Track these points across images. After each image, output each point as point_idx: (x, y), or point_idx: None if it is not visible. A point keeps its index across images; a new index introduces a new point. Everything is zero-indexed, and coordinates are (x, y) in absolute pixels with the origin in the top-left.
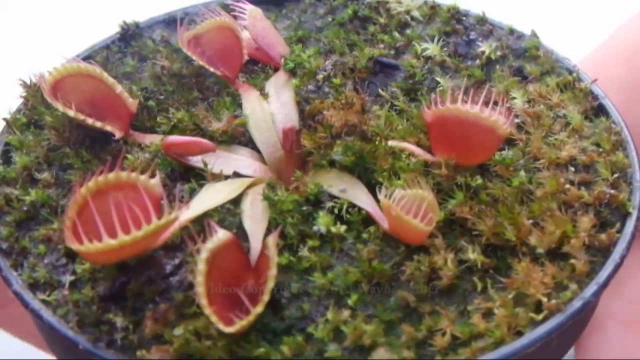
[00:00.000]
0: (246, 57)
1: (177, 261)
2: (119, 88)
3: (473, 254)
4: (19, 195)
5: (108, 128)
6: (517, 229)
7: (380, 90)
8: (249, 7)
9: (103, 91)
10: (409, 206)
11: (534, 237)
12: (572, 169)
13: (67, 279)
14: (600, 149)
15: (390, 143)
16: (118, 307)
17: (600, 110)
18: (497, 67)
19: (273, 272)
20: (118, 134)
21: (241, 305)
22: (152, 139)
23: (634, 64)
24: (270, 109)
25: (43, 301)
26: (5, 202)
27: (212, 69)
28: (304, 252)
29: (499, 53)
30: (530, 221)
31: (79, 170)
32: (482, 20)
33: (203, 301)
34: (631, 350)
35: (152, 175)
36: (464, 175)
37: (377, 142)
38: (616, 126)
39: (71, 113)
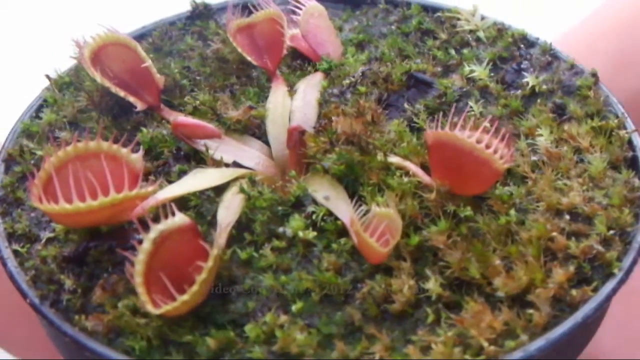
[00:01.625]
0: (285, 51)
1: (141, 237)
2: (148, 62)
3: (432, 285)
4: (33, 148)
5: (131, 99)
6: (485, 267)
7: (406, 105)
8: (311, 3)
9: (138, 63)
10: (375, 224)
11: (500, 280)
12: (568, 217)
13: (46, 235)
14: (608, 202)
15: (391, 159)
16: (75, 270)
17: (633, 162)
18: (539, 100)
19: (209, 264)
20: (140, 106)
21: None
22: (174, 117)
23: (622, 37)
24: (293, 106)
25: (15, 251)
26: (19, 152)
27: (249, 58)
28: (266, 251)
29: (545, 86)
30: (503, 262)
31: (95, 135)
32: (546, 50)
33: (138, 279)
34: (631, 353)
35: (134, 150)
36: (456, 203)
37: (373, 156)
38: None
39: (98, 78)
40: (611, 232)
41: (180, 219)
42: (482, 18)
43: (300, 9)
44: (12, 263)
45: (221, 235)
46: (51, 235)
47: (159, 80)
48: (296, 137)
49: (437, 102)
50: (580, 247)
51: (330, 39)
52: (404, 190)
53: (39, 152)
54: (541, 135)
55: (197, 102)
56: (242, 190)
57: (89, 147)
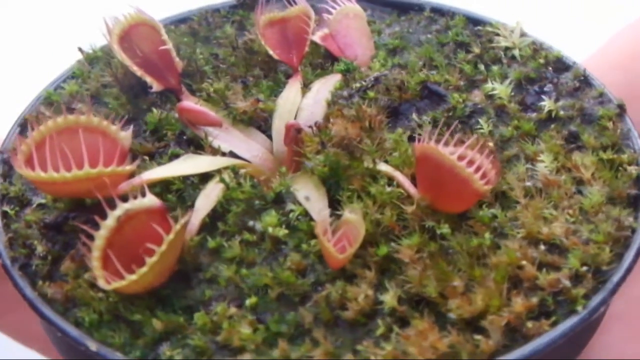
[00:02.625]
0: (307, 49)
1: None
2: (168, 45)
3: (389, 298)
4: (47, 116)
5: (147, 79)
6: (445, 287)
7: (414, 115)
8: (349, 4)
9: (161, 45)
10: (342, 230)
11: (455, 301)
12: (544, 247)
13: (37, 200)
14: (591, 238)
15: (381, 167)
16: (53, 238)
17: (636, 201)
18: (554, 125)
19: (162, 248)
20: (156, 87)
21: None
22: (190, 98)
23: (629, 70)
24: (302, 103)
25: (4, 212)
26: (36, 118)
27: (271, 52)
28: (234, 242)
29: (563, 112)
30: (465, 284)
31: (110, 110)
32: (577, 75)
33: (95, 253)
34: (635, 351)
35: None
36: (436, 219)
37: (360, 161)
38: (632, 221)
39: (119, 56)
40: (584, 268)
41: (149, 200)
42: (522, 35)
43: (336, 8)
44: None
45: (193, 225)
46: (42, 201)
47: (177, 63)
48: (293, 134)
49: (445, 115)
50: (548, 279)
51: (362, 41)
52: (384, 200)
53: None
54: (543, 161)
55: (212, 89)
56: (221, 180)
57: (80, 121)
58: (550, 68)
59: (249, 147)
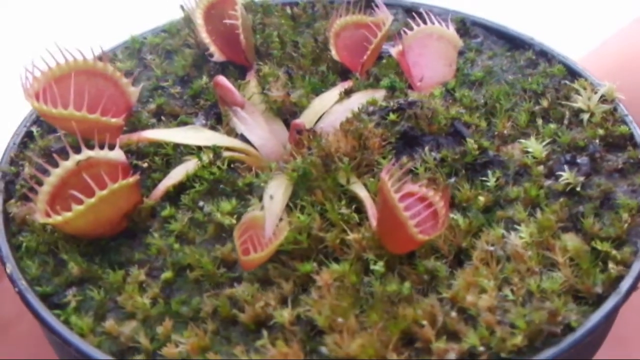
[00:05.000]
0: (364, 58)
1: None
2: (236, 22)
3: (286, 313)
4: (117, 59)
5: (212, 48)
6: (334, 320)
7: (427, 148)
8: (438, 26)
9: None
10: (251, 233)
11: (335, 337)
12: (455, 314)
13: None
14: (513, 322)
15: (354, 187)
16: (44, 164)
17: (599, 302)
18: (563, 200)
19: (90, 200)
20: (217, 57)
21: None
22: (250, 77)
23: (624, 78)
24: (332, 108)
25: (28, 132)
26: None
27: (333, 52)
28: (184, 217)
29: (583, 190)
30: (351, 322)
31: (174, 67)
32: (634, 157)
33: (45, 187)
34: None
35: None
36: (378, 253)
37: (332, 176)
38: (572, 320)
39: (195, 21)
40: (481, 348)
41: (114, 154)
42: (604, 100)
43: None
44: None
45: (158, 189)
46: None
47: (241, 41)
48: (294, 133)
49: (454, 157)
50: (440, 347)
51: (436, 64)
52: (334, 219)
53: (119, 64)
54: (522, 232)
55: (262, 72)
56: (197, 156)
57: (97, 66)
58: (607, 141)
59: (262, 135)
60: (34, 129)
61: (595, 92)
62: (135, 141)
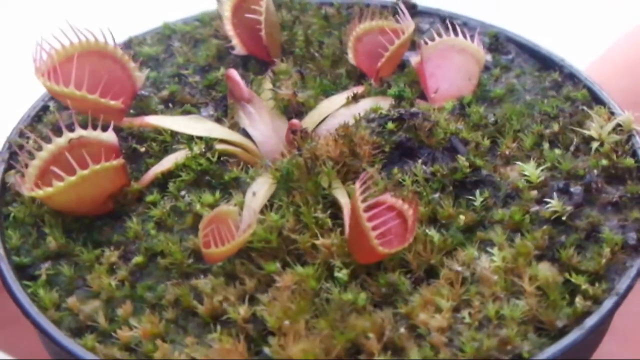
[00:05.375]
0: (379, 65)
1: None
2: (258, 17)
3: (242, 310)
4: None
5: (234, 40)
6: (282, 323)
7: (420, 160)
8: (461, 39)
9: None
10: (214, 226)
11: (279, 340)
12: (405, 330)
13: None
14: (461, 346)
15: (336, 193)
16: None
17: (561, 335)
18: (546, 227)
19: (70, 178)
20: (238, 50)
21: None
22: (269, 73)
23: (635, 77)
24: (338, 112)
25: (45, 106)
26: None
27: (350, 56)
28: (166, 204)
29: (570, 220)
30: (298, 327)
31: (199, 56)
32: (633, 191)
33: (36, 162)
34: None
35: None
36: (345, 261)
37: (313, 180)
38: (524, 351)
39: (222, 13)
40: None
41: (107, 136)
42: (620, 130)
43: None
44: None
45: (148, 175)
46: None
47: (262, 36)
48: (290, 132)
49: (444, 172)
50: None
51: (454, 77)
52: (307, 222)
53: (146, 49)
54: (494, 256)
55: (277, 68)
56: (188, 146)
57: (107, 48)
58: (610, 172)
59: (264, 131)
60: (51, 104)
61: (609, 119)
62: (137, 125)
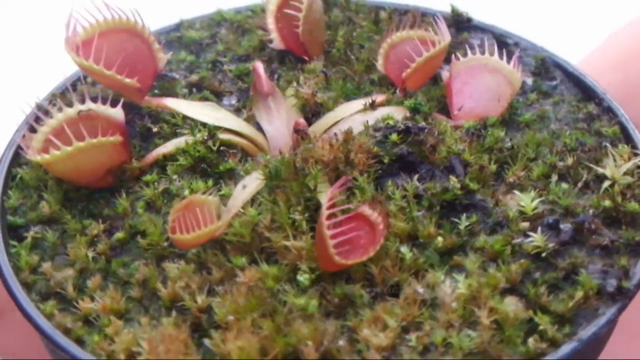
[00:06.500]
0: (405, 75)
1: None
2: (297, 14)
3: (199, 301)
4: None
5: (272, 35)
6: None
7: (416, 177)
8: (496, 59)
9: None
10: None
11: (220, 334)
12: (343, 343)
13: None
14: None
15: (321, 197)
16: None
17: None
18: (524, 261)
19: (67, 148)
20: (275, 44)
21: None
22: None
23: (628, 71)
24: (352, 117)
25: (73, 84)
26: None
27: (379, 64)
28: (160, 186)
29: (553, 258)
30: (251, 330)
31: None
32: (629, 238)
33: (44, 128)
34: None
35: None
36: (312, 266)
37: (300, 182)
38: None
39: (266, 7)
40: None
41: (114, 112)
42: (637, 174)
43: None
44: None
45: (151, 155)
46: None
47: (299, 33)
48: (294, 130)
49: (437, 190)
50: None
51: (481, 96)
52: (283, 222)
53: (192, 33)
54: (459, 282)
55: (306, 66)
56: (191, 132)
57: (137, 27)
58: (610, 214)
59: (278, 127)
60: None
61: (629, 158)
62: (155, 106)
